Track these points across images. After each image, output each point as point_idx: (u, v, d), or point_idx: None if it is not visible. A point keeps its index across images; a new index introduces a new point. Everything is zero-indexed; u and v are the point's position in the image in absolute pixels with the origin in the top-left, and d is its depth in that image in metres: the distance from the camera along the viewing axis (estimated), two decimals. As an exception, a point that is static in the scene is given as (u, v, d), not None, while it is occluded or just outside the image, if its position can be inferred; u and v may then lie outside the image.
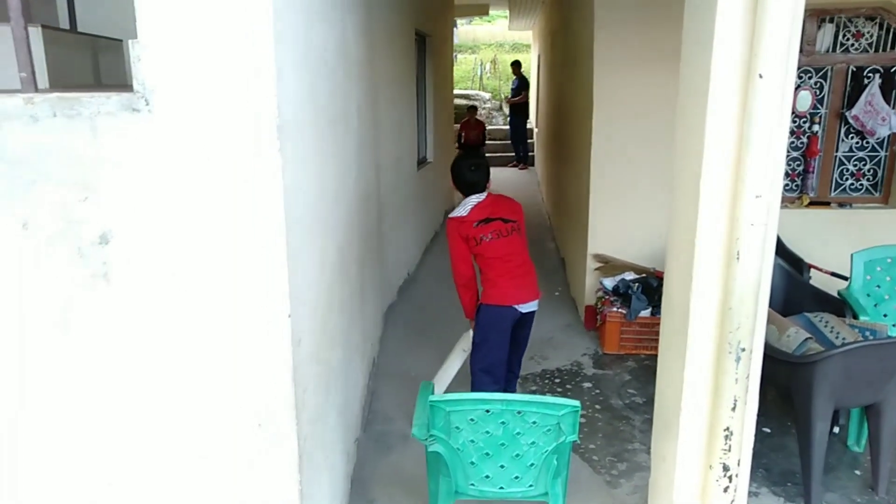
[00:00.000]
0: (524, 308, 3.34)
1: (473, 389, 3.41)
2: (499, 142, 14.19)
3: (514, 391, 3.76)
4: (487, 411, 2.24)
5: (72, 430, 1.82)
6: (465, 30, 22.14)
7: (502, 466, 2.34)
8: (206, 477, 1.90)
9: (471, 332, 3.51)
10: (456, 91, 12.80)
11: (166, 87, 1.63)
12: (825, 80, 4.65)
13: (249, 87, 1.66)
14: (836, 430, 3.45)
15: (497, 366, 3.38)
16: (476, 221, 3.24)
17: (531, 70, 15.02)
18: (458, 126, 11.62)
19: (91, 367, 1.78)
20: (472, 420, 2.26)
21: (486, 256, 3.28)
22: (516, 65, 13.36)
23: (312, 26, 2.23)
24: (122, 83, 1.74)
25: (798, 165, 4.82)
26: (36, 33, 2.16)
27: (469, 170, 3.30)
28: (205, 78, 1.64)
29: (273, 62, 1.70)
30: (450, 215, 3.33)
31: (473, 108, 12.00)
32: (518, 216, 3.39)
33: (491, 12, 13.86)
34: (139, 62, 1.59)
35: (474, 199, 3.30)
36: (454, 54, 13.82)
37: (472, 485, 2.39)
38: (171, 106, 1.64)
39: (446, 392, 3.40)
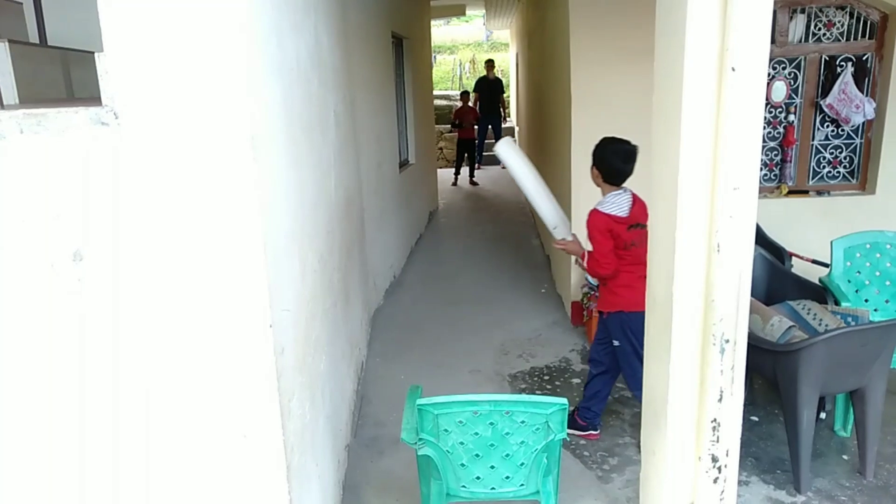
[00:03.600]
0: None
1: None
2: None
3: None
4: (475, 413, 2.24)
5: (52, 445, 1.80)
6: (444, 31, 22.15)
7: (493, 467, 2.33)
8: (192, 490, 1.88)
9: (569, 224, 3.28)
10: (436, 92, 12.79)
11: (136, 100, 1.61)
12: (799, 70, 4.70)
13: (221, 98, 1.64)
14: (823, 416, 3.48)
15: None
16: (630, 225, 3.01)
17: (510, 69, 15.04)
18: (441, 125, 11.56)
19: (69, 382, 1.76)
20: (460, 422, 2.25)
21: (626, 262, 3.06)
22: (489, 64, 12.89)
23: (284, 35, 2.22)
24: (97, 96, 1.72)
25: (776, 155, 4.87)
26: (2, 48, 2.12)
27: (623, 156, 2.96)
28: (175, 90, 1.62)
29: (244, 72, 1.68)
30: (601, 208, 3.02)
31: (466, 94, 11.83)
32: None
33: (468, 12, 13.88)
34: (107, 75, 1.57)
35: (627, 198, 3.04)
36: (433, 55, 13.81)
37: (464, 487, 2.38)
38: (141, 119, 1.62)
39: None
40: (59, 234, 1.65)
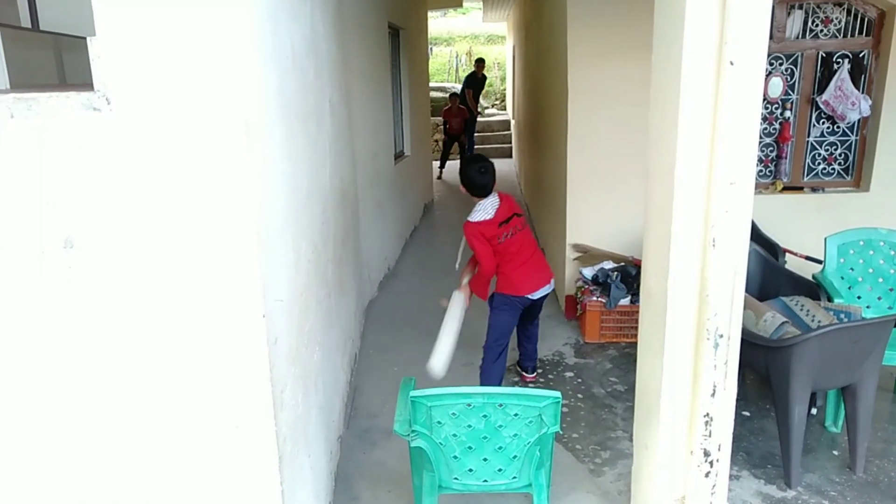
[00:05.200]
0: (537, 294, 3.63)
1: (483, 366, 3.67)
2: (494, 133, 14.38)
3: (535, 355, 4.09)
4: (469, 405, 2.23)
5: (43, 435, 1.78)
6: (440, 22, 22.06)
7: (485, 459, 2.34)
8: (184, 480, 1.87)
9: (460, 294, 3.69)
10: (432, 84, 12.75)
11: (128, 86, 1.58)
12: (796, 67, 4.70)
13: (215, 84, 1.62)
14: (814, 411, 3.50)
15: (505, 346, 3.69)
16: (500, 222, 3.49)
17: (506, 62, 14.99)
18: (438, 117, 11.58)
19: (59, 372, 1.74)
20: (453, 414, 2.25)
21: (507, 252, 3.53)
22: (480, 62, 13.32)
23: (280, 21, 2.19)
24: (89, 82, 1.70)
25: (771, 151, 4.87)
26: (-7, 32, 2.10)
27: (479, 173, 3.50)
28: (169, 76, 1.60)
29: (239, 58, 1.66)
30: (471, 219, 3.51)
31: (455, 96, 11.91)
32: (521, 209, 3.65)
33: (465, 4, 13.79)
34: (99, 59, 1.55)
35: (492, 202, 3.52)
36: (430, 47, 13.76)
37: (456, 479, 2.38)
38: (134, 105, 1.59)
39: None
40: (49, 221, 1.63)
